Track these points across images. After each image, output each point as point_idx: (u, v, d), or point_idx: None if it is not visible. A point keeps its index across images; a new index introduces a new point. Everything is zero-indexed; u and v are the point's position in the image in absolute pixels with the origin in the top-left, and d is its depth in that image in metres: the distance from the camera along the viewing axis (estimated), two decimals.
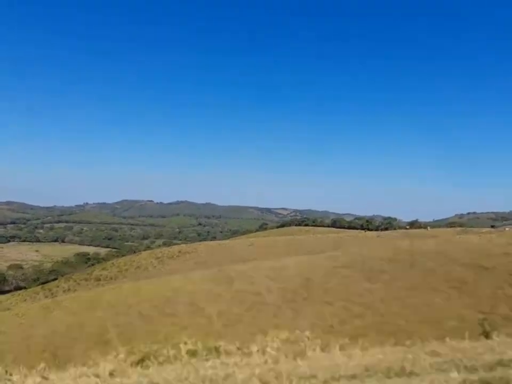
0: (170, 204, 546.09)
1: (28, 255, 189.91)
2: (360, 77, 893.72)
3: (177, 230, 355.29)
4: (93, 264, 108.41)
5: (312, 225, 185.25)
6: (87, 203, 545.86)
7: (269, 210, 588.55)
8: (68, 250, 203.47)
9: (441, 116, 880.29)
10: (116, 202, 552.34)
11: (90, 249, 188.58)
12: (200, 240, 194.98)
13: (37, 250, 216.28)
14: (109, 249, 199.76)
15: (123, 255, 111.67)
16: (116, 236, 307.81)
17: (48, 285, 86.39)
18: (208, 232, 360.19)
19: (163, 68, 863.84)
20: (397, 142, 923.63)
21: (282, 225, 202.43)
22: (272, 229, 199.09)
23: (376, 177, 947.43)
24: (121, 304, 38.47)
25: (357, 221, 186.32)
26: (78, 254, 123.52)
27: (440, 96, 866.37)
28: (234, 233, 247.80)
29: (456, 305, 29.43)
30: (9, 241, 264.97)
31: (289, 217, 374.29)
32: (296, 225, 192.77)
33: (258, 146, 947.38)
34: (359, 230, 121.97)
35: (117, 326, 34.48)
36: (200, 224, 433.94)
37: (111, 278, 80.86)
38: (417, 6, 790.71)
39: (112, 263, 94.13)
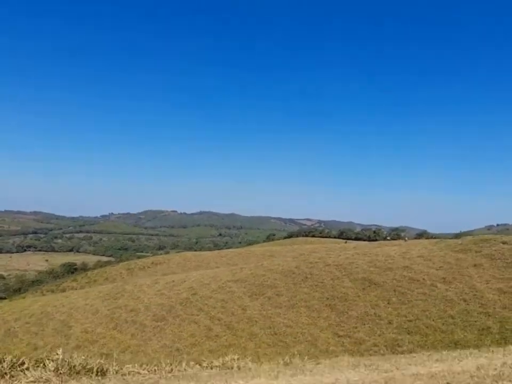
0: (193, 214, 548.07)
1: (34, 264, 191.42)
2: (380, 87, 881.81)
3: (194, 240, 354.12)
4: (77, 274, 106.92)
5: (318, 236, 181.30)
6: (112, 213, 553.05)
7: (292, 220, 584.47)
8: (77, 260, 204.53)
9: (475, 127, 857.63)
10: (140, 213, 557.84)
11: (102, 259, 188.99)
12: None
13: (46, 260, 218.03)
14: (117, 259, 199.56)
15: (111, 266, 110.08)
16: (131, 246, 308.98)
17: (16, 295, 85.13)
18: (226, 243, 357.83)
19: (188, 81, 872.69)
20: (427, 153, 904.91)
21: (290, 236, 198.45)
22: (279, 239, 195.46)
23: (406, 188, 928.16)
24: None
25: (364, 231, 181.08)
26: (64, 264, 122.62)
27: (468, 106, 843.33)
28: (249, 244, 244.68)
29: (319, 326, 25.67)
30: (25, 250, 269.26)
31: (312, 228, 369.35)
32: (303, 236, 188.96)
33: (284, 157, 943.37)
34: (345, 241, 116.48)
35: None
36: (220, 234, 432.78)
37: (76, 290, 78.90)
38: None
39: (86, 273, 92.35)
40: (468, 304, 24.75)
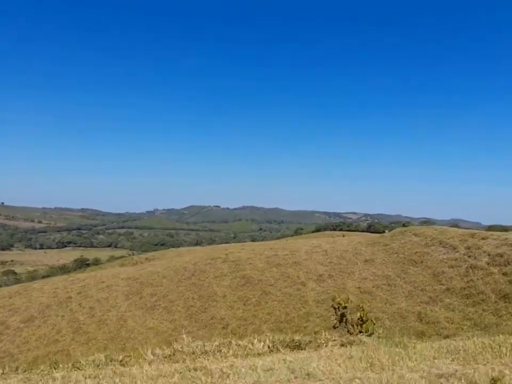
0: (236, 209, 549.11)
1: (66, 260, 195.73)
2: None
3: (232, 235, 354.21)
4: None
5: (346, 230, 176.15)
6: (157, 209, 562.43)
7: (337, 214, 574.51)
8: (109, 255, 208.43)
9: None
10: (184, 208, 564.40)
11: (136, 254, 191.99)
12: None
13: (81, 255, 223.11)
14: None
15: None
16: (169, 241, 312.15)
17: None
18: (264, 237, 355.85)
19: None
20: (477, 142, 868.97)
21: (318, 230, 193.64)
22: (307, 233, 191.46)
23: (463, 180, 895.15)
24: None
25: (392, 224, 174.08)
26: (76, 259, 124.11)
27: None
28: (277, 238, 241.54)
29: (158, 331, 22.87)
30: (65, 246, 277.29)
31: (358, 222, 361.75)
32: (330, 229, 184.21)
33: (329, 151, 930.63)
34: (343, 234, 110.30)
35: None
36: (261, 229, 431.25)
37: None
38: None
39: (84, 269, 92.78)
40: (319, 305, 21.18)
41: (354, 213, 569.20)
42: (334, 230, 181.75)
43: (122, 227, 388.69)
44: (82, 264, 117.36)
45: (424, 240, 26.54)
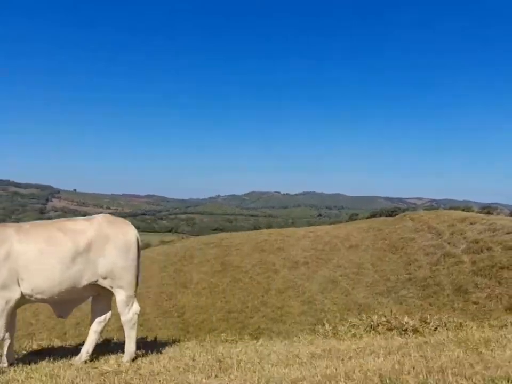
0: (296, 194, 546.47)
1: None
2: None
3: (290, 221, 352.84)
4: None
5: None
6: (219, 195, 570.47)
7: (400, 200, 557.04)
8: (161, 240, 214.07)
9: None
10: (245, 194, 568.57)
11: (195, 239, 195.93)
12: None
13: (142, 240, 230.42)
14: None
15: None
16: (227, 227, 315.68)
17: None
18: (322, 223, 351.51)
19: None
20: None
21: (373, 215, 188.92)
22: (362, 219, 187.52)
23: None
24: None
25: (452, 210, 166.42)
26: None
27: None
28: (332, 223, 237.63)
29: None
30: None
31: (420, 207, 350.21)
32: (386, 215, 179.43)
33: (395, 134, 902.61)
34: None
35: None
36: (320, 215, 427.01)
37: None
38: None
39: None
40: (277, 295, 19.73)
41: (420, 198, 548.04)
42: (390, 215, 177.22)
43: (185, 212, 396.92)
44: None
45: (416, 225, 24.24)
